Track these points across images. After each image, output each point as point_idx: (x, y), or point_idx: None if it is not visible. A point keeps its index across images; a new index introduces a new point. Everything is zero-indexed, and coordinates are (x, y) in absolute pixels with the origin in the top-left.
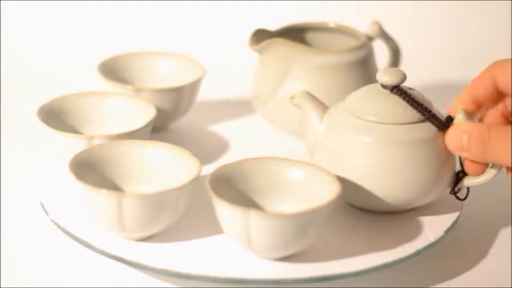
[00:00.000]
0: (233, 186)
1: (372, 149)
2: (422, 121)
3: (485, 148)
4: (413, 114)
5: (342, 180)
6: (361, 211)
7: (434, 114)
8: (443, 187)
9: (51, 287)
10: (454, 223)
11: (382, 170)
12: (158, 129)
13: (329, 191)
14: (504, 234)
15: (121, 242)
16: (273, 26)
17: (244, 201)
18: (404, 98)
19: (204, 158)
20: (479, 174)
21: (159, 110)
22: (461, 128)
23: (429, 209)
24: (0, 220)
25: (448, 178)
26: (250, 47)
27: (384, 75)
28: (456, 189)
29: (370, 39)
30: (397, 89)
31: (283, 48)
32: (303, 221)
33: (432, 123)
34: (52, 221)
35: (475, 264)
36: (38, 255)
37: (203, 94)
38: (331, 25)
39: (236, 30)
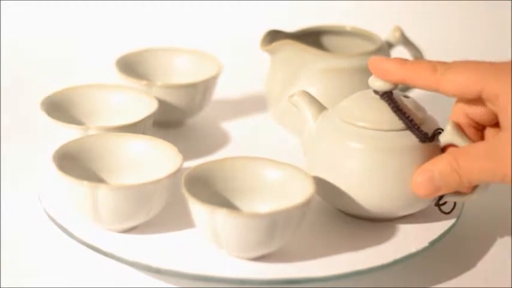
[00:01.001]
0: (212, 185)
1: (358, 155)
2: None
3: (461, 177)
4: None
5: (327, 183)
6: (344, 216)
7: (416, 125)
8: (429, 199)
9: (51, 286)
10: (452, 225)
11: (367, 175)
12: (173, 124)
13: (304, 193)
14: (504, 234)
15: (102, 233)
16: (291, 28)
17: (221, 200)
18: (389, 105)
19: (212, 154)
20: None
21: (173, 106)
22: (427, 169)
23: (427, 209)
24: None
25: None
26: (261, 47)
27: (376, 81)
28: (441, 202)
29: (390, 45)
30: (386, 95)
31: (292, 50)
32: (272, 222)
33: (413, 133)
34: (44, 209)
35: (475, 264)
36: (37, 252)
37: (222, 91)
38: (348, 28)
39: (255, 30)
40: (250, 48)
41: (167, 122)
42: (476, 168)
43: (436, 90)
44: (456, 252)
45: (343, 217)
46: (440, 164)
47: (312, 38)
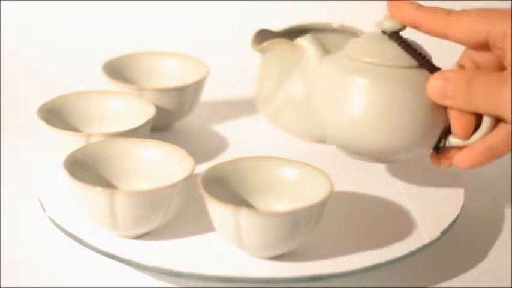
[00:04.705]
0: (226, 185)
1: (365, 90)
2: (417, 67)
3: (469, 94)
4: (410, 59)
5: (333, 121)
6: (356, 211)
7: (429, 60)
8: (433, 137)
9: (51, 286)
10: (452, 224)
11: (374, 111)
12: (162, 128)
13: (321, 191)
14: (504, 234)
15: (114, 239)
16: (277, 26)
17: (237, 200)
18: (400, 44)
19: (205, 157)
20: (467, 137)
21: (163, 110)
22: (445, 75)
23: (427, 208)
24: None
25: (438, 129)
26: (252, 46)
27: (385, 21)
28: (441, 145)
29: None
30: (395, 34)
31: (284, 48)
32: (294, 220)
33: (426, 68)
34: (49, 217)
35: (475, 264)
36: (38, 253)
37: (208, 94)
38: (335, 26)
39: (240, 30)
40: (232, 50)
41: (156, 126)
42: (486, 94)
43: (445, 35)
44: (456, 252)
45: (348, 210)
46: (459, 76)
47: (299, 35)
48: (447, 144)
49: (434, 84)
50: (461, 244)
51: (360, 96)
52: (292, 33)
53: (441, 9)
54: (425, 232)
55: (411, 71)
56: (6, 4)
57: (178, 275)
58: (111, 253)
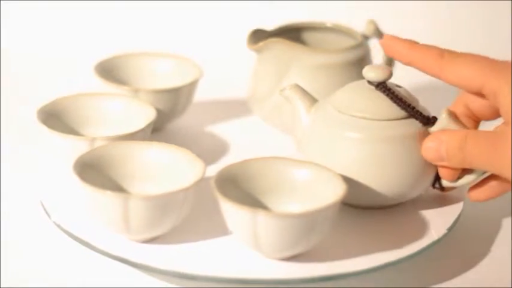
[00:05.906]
0: (238, 187)
1: (356, 145)
2: (406, 118)
3: (464, 155)
4: (398, 110)
5: None
6: (362, 210)
7: (418, 111)
8: (428, 181)
9: (50, 286)
10: (456, 220)
11: (366, 165)
12: (155, 129)
13: (335, 191)
14: (504, 234)
15: (125, 243)
16: (270, 26)
17: (249, 201)
18: (388, 95)
19: (201, 158)
20: (454, 180)
21: (157, 111)
22: (438, 137)
23: (430, 206)
24: (0, 221)
25: (433, 172)
26: (248, 46)
27: (370, 72)
28: (437, 186)
29: (366, 38)
30: (382, 86)
31: (281, 47)
32: (310, 221)
33: (416, 119)
34: (54, 222)
35: (475, 264)
36: (39, 256)
37: (200, 94)
38: (328, 25)
39: (233, 31)
40: (224, 51)
41: None
42: (481, 154)
43: (438, 77)
44: (456, 252)
45: (357, 210)
46: (451, 138)
47: (293, 34)
48: (442, 184)
49: (429, 146)
50: (461, 244)
51: (352, 151)
52: (286, 32)
53: (435, 49)
54: (432, 229)
55: (401, 123)
56: (6, 4)
57: (193, 278)
58: (123, 257)
